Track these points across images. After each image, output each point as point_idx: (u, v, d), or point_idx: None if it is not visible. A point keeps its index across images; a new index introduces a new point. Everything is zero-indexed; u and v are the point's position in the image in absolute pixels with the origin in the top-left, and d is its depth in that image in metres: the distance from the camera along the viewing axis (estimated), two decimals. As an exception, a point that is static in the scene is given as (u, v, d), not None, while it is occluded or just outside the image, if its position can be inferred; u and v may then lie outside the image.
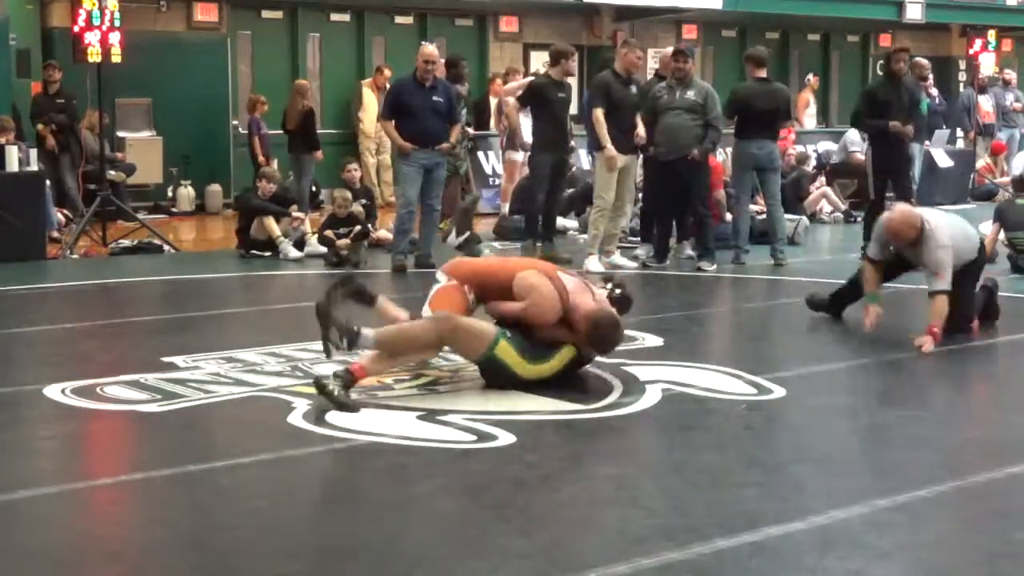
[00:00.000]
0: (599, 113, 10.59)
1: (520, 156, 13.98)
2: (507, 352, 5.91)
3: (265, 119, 15.33)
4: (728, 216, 11.96)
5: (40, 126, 13.68)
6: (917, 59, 16.02)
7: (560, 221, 12.93)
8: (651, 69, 11.61)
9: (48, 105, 13.80)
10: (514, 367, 5.95)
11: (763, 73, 11.17)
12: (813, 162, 15.67)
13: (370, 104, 16.28)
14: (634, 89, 10.87)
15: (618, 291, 6.65)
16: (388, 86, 15.83)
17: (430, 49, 11.03)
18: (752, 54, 11.54)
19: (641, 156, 10.94)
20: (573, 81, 13.59)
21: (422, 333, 5.94)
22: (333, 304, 5.84)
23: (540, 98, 11.06)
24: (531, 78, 12.83)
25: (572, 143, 13.42)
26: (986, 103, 18.77)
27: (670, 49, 12.10)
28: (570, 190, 13.37)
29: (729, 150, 14.84)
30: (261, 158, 14.99)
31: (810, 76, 19.70)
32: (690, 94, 10.63)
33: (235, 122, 16.27)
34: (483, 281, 6.36)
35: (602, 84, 10.88)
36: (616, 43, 17.85)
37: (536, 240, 11.21)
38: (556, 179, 11.26)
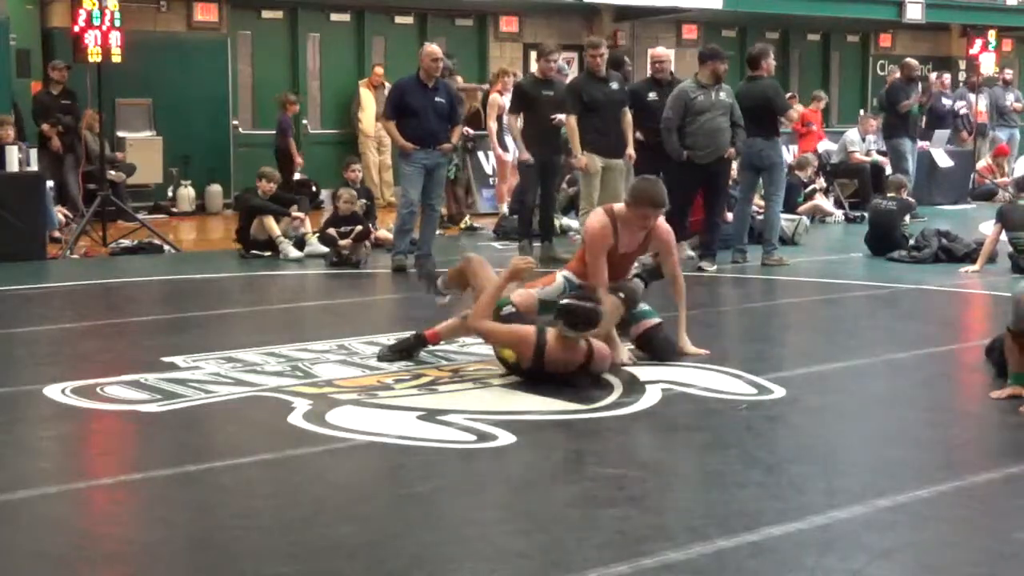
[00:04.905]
0: (572, 120, 10.59)
1: (509, 156, 13.96)
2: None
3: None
4: (730, 216, 11.95)
5: (46, 126, 13.68)
6: (907, 59, 16.03)
7: (563, 220, 12.90)
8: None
9: (54, 105, 13.78)
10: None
11: (753, 71, 11.16)
12: (813, 166, 15.42)
13: (368, 103, 16.28)
14: (615, 85, 10.78)
15: (620, 294, 6.70)
16: (383, 84, 15.86)
17: (434, 47, 11.02)
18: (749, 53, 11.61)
19: (634, 159, 10.91)
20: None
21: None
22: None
23: (525, 97, 10.99)
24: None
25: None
26: (981, 103, 18.77)
27: (660, 49, 12.08)
28: (572, 188, 13.34)
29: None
30: (299, 160, 15.03)
31: None
32: (723, 95, 10.63)
33: (235, 122, 16.27)
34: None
35: (574, 88, 10.82)
36: (616, 43, 17.87)
37: (531, 240, 11.17)
38: (547, 178, 11.15)
